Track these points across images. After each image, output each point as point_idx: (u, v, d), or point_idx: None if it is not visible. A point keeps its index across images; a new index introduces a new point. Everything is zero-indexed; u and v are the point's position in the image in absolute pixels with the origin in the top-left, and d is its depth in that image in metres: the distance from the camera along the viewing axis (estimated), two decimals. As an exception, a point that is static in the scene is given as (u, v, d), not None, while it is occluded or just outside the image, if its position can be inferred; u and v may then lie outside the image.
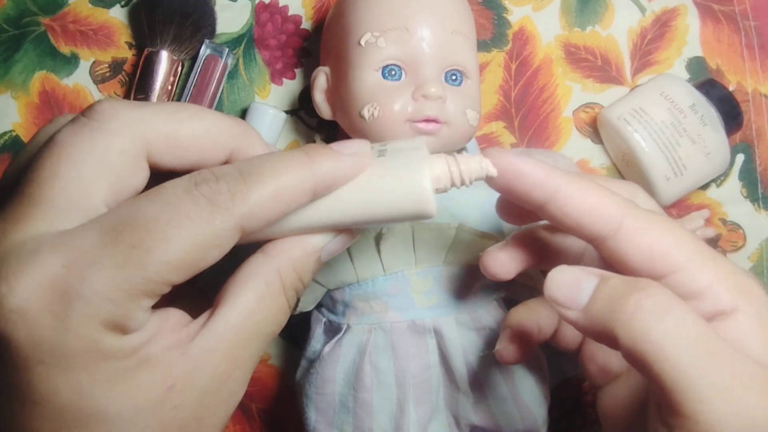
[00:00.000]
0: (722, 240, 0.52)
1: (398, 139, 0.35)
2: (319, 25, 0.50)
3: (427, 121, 0.39)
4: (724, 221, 0.52)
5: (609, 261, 0.28)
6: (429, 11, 0.40)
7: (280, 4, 0.50)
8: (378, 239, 0.40)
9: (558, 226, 0.29)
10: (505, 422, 0.42)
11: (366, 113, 0.40)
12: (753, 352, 0.25)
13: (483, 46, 0.51)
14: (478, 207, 0.42)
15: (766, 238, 0.52)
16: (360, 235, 0.36)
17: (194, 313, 0.26)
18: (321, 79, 0.43)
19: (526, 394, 0.43)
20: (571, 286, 0.27)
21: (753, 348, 0.26)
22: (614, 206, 0.28)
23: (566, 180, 0.28)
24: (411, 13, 0.40)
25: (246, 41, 0.50)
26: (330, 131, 0.50)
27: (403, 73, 0.40)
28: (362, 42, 0.40)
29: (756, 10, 0.53)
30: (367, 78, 0.40)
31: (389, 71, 0.40)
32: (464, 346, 0.41)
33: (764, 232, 0.53)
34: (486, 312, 0.42)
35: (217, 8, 0.49)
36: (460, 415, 0.42)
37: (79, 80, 0.50)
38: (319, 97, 0.43)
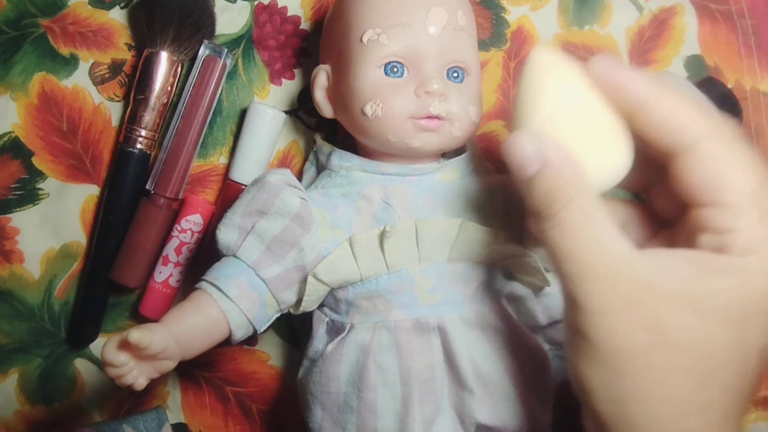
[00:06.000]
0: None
1: None
2: (318, 25, 0.50)
3: (430, 118, 0.40)
4: (724, 219, 0.52)
5: (674, 179, 0.31)
6: (431, 8, 0.40)
7: (279, 5, 0.50)
8: (382, 237, 0.40)
9: (641, 136, 0.32)
10: (509, 421, 0.42)
11: (369, 110, 0.40)
12: None
13: (482, 45, 0.51)
14: (482, 203, 0.42)
15: (766, 236, 0.52)
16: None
17: None
18: (321, 77, 0.43)
19: (531, 393, 0.42)
20: None
21: None
22: (693, 125, 0.29)
23: (657, 92, 0.30)
24: (413, 10, 0.40)
25: (245, 42, 0.50)
26: (329, 131, 0.50)
27: (405, 70, 0.40)
28: (364, 39, 0.40)
29: (752, 9, 0.53)
30: (369, 75, 0.40)
31: (391, 68, 0.40)
32: (469, 345, 0.41)
33: (764, 230, 0.52)
34: (490, 310, 0.42)
35: (216, 9, 0.49)
36: (465, 413, 0.41)
37: (79, 81, 0.50)
38: (320, 96, 0.43)
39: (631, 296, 0.28)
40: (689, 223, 0.31)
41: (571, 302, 0.30)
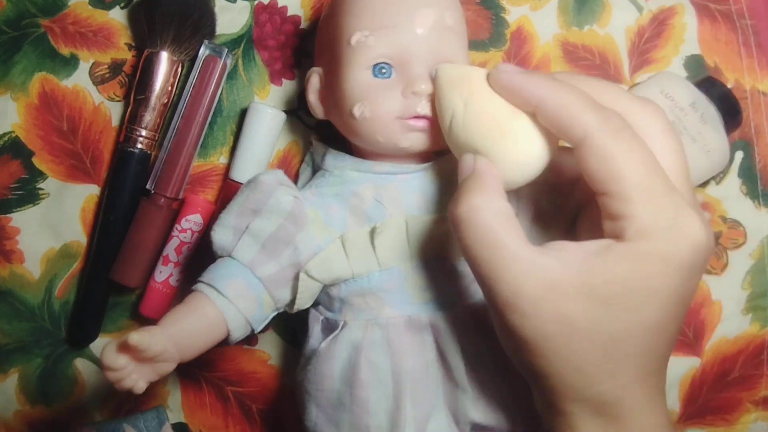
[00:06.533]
0: (723, 237, 0.52)
1: None
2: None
3: (417, 118, 0.40)
4: (724, 219, 0.52)
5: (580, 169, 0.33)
6: (417, 9, 0.40)
7: (279, 5, 0.51)
8: (372, 234, 0.40)
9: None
10: (504, 420, 0.41)
11: (356, 112, 0.40)
12: None
13: (481, 45, 0.51)
14: None
15: (766, 236, 0.52)
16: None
17: None
18: (314, 79, 0.43)
19: (526, 391, 0.42)
20: None
21: None
22: (582, 120, 0.32)
23: (549, 92, 0.33)
24: (400, 12, 0.40)
25: (245, 42, 0.50)
26: (329, 131, 0.50)
27: (393, 71, 0.40)
28: (352, 41, 0.40)
29: (752, 9, 0.53)
30: (357, 77, 0.40)
31: (379, 69, 0.40)
32: (462, 343, 0.41)
33: (765, 230, 0.53)
34: (484, 307, 0.42)
35: (216, 9, 0.49)
36: (460, 412, 0.41)
37: (79, 81, 0.50)
38: (313, 97, 0.44)
39: (536, 295, 0.31)
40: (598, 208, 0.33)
41: (485, 299, 0.33)
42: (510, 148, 0.34)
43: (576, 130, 0.32)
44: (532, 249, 0.32)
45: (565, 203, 0.41)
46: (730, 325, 0.52)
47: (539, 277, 0.31)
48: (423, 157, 0.43)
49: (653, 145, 0.32)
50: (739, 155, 0.52)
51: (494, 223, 0.32)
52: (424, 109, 0.39)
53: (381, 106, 0.40)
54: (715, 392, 0.53)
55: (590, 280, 0.31)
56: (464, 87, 0.36)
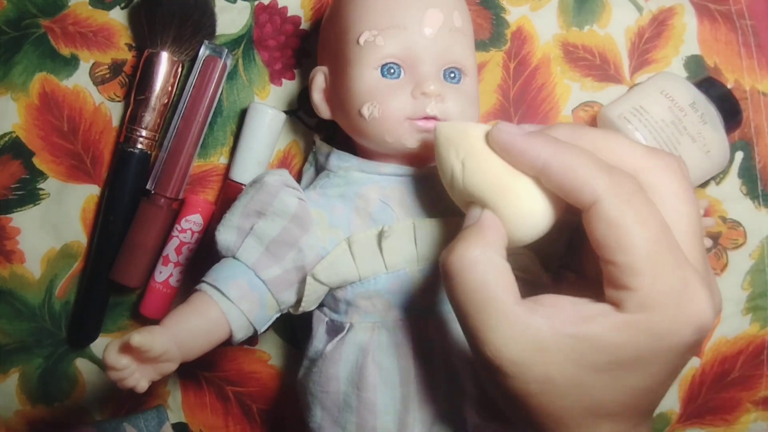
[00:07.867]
0: (722, 237, 0.52)
1: None
2: (318, 25, 0.50)
3: (427, 118, 0.40)
4: (724, 219, 0.52)
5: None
6: (426, 9, 0.40)
7: (279, 5, 0.51)
8: (380, 237, 0.40)
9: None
10: (509, 421, 0.41)
11: (365, 112, 0.40)
12: None
13: (481, 45, 0.51)
14: None
15: (766, 236, 0.52)
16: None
17: None
18: (319, 78, 0.43)
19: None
20: None
21: None
22: (591, 186, 0.30)
23: (553, 155, 0.31)
24: (409, 12, 0.40)
25: (245, 42, 0.50)
26: (329, 131, 0.50)
27: (401, 71, 0.40)
28: (361, 41, 0.40)
29: (752, 10, 0.53)
30: (366, 77, 0.40)
31: (388, 69, 0.40)
32: (467, 345, 0.41)
33: (765, 230, 0.53)
34: None
35: (217, 10, 0.49)
36: (466, 414, 0.41)
37: (79, 82, 0.50)
38: (318, 97, 0.44)
39: (520, 358, 0.30)
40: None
41: (472, 350, 0.32)
42: (513, 205, 0.33)
43: (584, 195, 0.30)
44: (524, 308, 0.30)
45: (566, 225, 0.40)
46: (730, 325, 0.52)
47: (526, 340, 0.30)
48: (429, 158, 0.43)
49: (665, 206, 0.30)
50: (739, 155, 0.52)
51: (489, 278, 0.30)
52: (434, 110, 0.39)
53: (390, 106, 0.39)
54: (715, 392, 0.53)
55: (580, 347, 0.29)
56: (461, 146, 0.34)
